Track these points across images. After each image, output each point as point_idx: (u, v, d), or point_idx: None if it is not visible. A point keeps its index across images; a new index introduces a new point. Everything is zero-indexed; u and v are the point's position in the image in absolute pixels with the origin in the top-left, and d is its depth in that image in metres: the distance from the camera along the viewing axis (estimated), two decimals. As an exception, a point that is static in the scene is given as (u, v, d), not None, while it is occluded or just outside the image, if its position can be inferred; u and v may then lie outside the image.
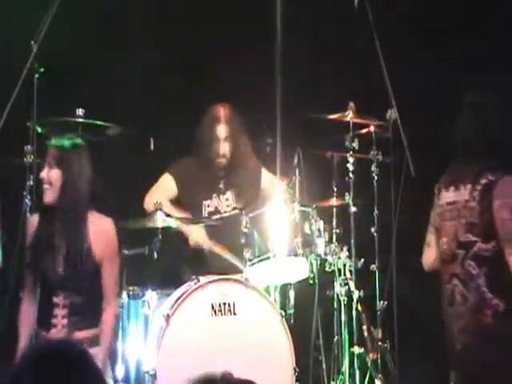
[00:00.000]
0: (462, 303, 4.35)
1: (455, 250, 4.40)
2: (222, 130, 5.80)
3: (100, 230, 4.87)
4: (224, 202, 5.97)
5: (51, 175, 4.83)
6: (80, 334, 4.77)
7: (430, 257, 4.68)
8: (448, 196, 4.50)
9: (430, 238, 4.62)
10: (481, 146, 4.51)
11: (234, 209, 5.82)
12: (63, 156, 4.83)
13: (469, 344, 4.31)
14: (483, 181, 4.30)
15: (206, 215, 5.90)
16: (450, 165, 4.75)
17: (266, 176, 5.97)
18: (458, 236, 4.39)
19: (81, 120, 5.91)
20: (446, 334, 4.51)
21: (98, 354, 4.65)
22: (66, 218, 4.69)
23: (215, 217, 5.83)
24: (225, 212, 5.87)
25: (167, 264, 5.70)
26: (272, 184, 5.79)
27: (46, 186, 4.86)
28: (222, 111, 5.88)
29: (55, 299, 4.74)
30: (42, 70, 5.23)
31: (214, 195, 5.88)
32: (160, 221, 5.25)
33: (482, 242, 4.27)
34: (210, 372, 2.28)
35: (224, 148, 5.75)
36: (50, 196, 4.83)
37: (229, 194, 5.94)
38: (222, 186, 5.91)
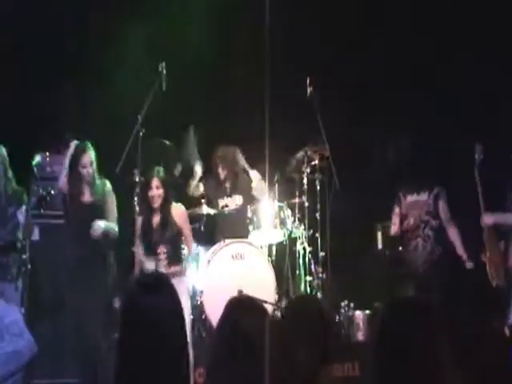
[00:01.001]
0: (422, 250, 7.62)
1: (419, 223, 7.67)
2: (220, 167, 8.12)
3: (176, 211, 7.10)
4: (231, 201, 8.17)
5: (157, 193, 7.04)
6: (172, 268, 6.90)
7: (394, 229, 7.83)
8: (412, 198, 7.75)
9: (395, 220, 7.79)
10: (417, 170, 7.73)
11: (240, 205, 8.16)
12: (163, 182, 7.04)
13: (427, 269, 7.54)
14: (435, 191, 7.72)
15: (220, 208, 8.13)
16: (401, 182, 7.79)
17: (255, 184, 8.13)
18: (420, 217, 7.67)
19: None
20: (408, 266, 7.51)
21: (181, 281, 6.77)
22: (162, 210, 7.04)
23: (229, 208, 8.13)
24: (235, 205, 8.12)
25: (208, 233, 8.18)
26: (261, 190, 8.04)
27: (154, 199, 7.00)
28: (220, 153, 8.12)
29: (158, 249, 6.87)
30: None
31: (225, 197, 8.22)
32: (204, 209, 8.11)
33: (433, 220, 7.72)
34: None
35: (224, 175, 8.08)
36: (156, 202, 7.04)
37: (234, 197, 8.18)
38: (228, 192, 8.18)
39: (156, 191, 7.02)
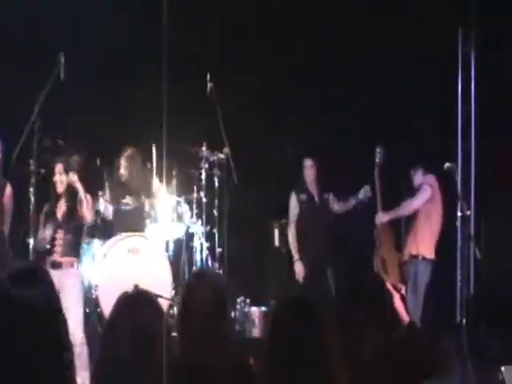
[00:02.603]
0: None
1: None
2: (125, 167, 8.12)
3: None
4: (133, 200, 8.14)
5: (59, 179, 6.96)
6: (66, 258, 6.88)
7: (292, 229, 8.29)
8: (303, 198, 8.27)
9: (292, 219, 8.22)
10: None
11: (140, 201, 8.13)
12: (66, 168, 6.93)
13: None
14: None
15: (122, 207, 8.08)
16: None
17: (155, 183, 8.19)
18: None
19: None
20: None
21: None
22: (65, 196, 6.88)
23: (131, 206, 8.11)
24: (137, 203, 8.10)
25: (106, 229, 8.22)
26: (159, 187, 8.12)
27: (57, 185, 6.89)
28: (129, 153, 8.10)
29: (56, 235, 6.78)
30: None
31: (127, 196, 8.16)
32: (101, 204, 8.06)
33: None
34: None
35: (126, 176, 8.07)
36: (59, 188, 6.94)
37: (136, 195, 8.16)
38: (130, 190, 8.15)
39: (59, 177, 6.99)
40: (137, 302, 3.04)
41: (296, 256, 8.37)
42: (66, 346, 2.55)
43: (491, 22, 9.02)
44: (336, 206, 8.55)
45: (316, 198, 8.55)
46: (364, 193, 8.25)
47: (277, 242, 9.16)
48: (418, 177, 8.22)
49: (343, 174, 8.87)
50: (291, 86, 9.30)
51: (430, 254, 8.13)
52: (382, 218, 8.15)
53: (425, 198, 8.11)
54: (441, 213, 8.20)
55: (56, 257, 6.90)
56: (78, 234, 7.09)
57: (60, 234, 6.94)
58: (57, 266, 6.93)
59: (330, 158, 8.73)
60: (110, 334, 3.04)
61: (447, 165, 7.95)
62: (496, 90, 9.00)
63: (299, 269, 8.31)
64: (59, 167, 7.02)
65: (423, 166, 8.23)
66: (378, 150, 8.23)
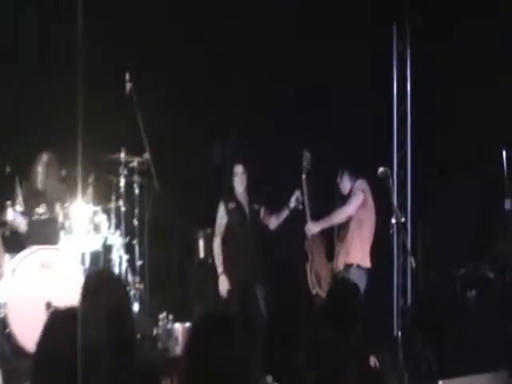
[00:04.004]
0: None
1: None
2: (41, 175, 7.97)
3: None
4: (48, 209, 7.90)
5: None
6: None
7: (218, 240, 8.06)
8: (232, 207, 8.04)
9: (219, 230, 8.02)
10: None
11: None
12: None
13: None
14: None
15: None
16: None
17: (70, 191, 7.88)
18: None
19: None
20: None
21: None
22: None
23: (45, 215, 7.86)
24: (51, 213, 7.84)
25: (17, 241, 7.91)
26: (74, 196, 7.77)
27: None
28: (41, 160, 7.98)
29: None
30: None
31: (41, 205, 7.92)
32: (9, 215, 7.75)
33: None
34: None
35: (42, 184, 7.94)
36: None
37: (51, 204, 7.93)
38: (46, 199, 7.94)
39: None
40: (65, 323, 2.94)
41: (220, 269, 8.14)
42: None
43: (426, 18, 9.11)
44: (270, 221, 8.34)
45: (246, 209, 8.30)
46: (295, 200, 8.06)
47: (202, 254, 8.94)
48: (346, 182, 8.12)
49: (271, 181, 8.80)
50: (218, 85, 9.22)
51: (364, 262, 7.99)
52: (312, 228, 8.02)
53: (357, 203, 7.98)
54: (373, 219, 8.08)
55: None
56: None
57: None
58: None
59: (261, 164, 8.61)
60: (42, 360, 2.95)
61: (381, 169, 7.77)
62: (433, 88, 9.05)
63: (223, 283, 8.11)
64: None
65: (350, 170, 8.13)
66: (305, 153, 8.07)
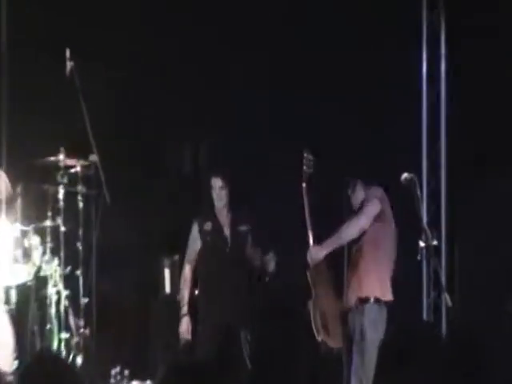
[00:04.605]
0: None
1: None
2: None
3: None
4: None
5: None
6: None
7: (187, 270, 7.29)
8: (208, 229, 7.32)
9: (190, 257, 7.32)
10: None
11: None
12: None
13: None
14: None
15: None
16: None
17: None
18: None
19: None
20: None
21: None
22: None
23: None
24: None
25: None
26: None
27: None
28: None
29: None
30: None
31: None
32: None
33: None
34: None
35: None
36: None
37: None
38: None
39: None
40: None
41: (184, 309, 7.43)
42: None
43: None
44: (247, 250, 7.62)
45: (227, 231, 7.57)
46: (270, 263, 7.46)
47: (168, 288, 8.24)
48: (359, 193, 7.05)
49: (261, 195, 8.23)
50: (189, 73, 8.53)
51: (383, 294, 6.85)
52: (316, 254, 6.94)
53: (373, 213, 6.89)
54: (393, 238, 6.99)
55: None
56: None
57: None
58: None
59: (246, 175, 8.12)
60: None
61: (405, 175, 6.71)
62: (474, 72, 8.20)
63: (184, 327, 7.40)
64: None
65: (364, 178, 7.14)
66: (306, 155, 7.23)
